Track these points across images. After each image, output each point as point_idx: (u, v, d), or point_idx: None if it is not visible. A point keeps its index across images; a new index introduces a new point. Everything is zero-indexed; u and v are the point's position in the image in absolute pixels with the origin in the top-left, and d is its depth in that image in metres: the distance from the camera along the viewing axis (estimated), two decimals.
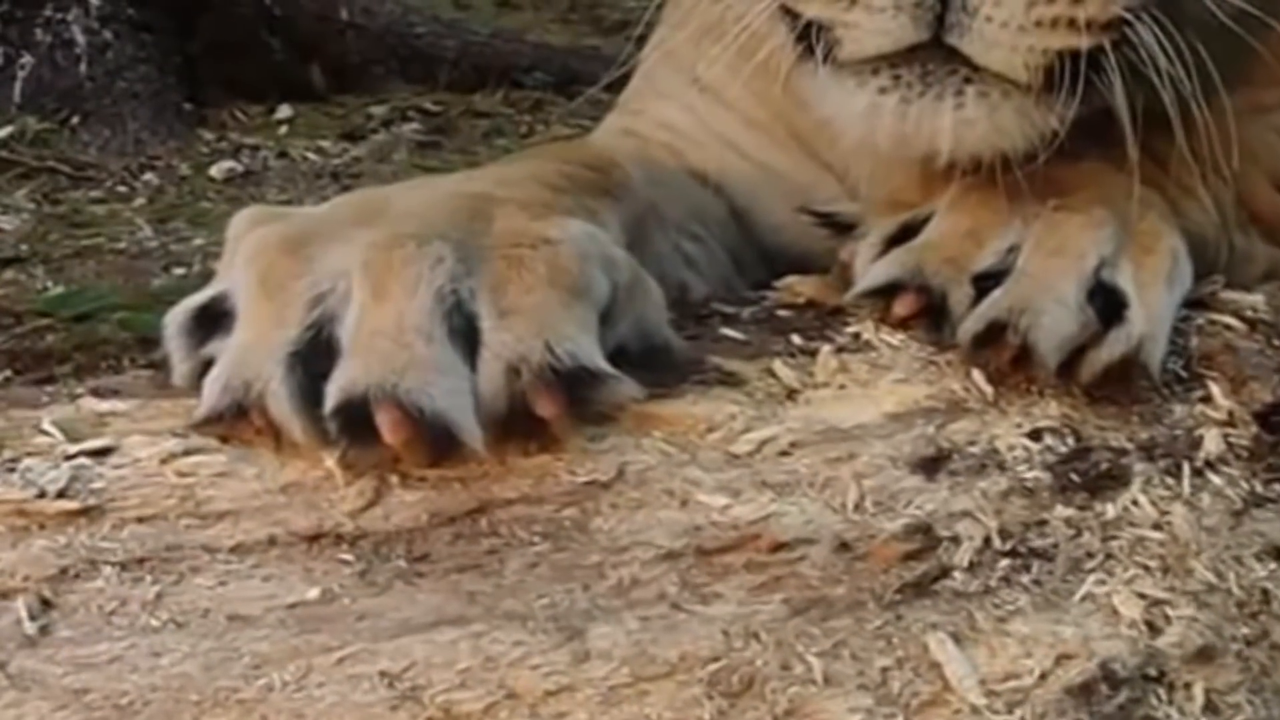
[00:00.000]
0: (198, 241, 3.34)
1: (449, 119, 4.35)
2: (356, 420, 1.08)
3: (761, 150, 1.65)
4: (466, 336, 1.13)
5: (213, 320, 1.18)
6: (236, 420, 1.12)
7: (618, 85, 1.77)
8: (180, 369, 1.18)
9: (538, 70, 4.65)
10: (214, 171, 4.01)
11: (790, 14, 1.35)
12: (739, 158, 1.66)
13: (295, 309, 1.13)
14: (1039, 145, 1.32)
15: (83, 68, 4.38)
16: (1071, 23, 1.27)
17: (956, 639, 1.21)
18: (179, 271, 3.13)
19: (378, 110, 4.42)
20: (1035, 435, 1.31)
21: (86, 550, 1.08)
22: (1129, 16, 1.28)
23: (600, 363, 1.15)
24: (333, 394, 1.09)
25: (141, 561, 1.09)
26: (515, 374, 1.12)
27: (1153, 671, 1.24)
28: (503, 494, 1.17)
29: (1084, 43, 1.28)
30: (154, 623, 1.07)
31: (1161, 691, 1.24)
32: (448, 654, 1.11)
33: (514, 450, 1.15)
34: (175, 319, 1.19)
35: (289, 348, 1.12)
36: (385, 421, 1.07)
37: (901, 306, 1.34)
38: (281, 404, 1.10)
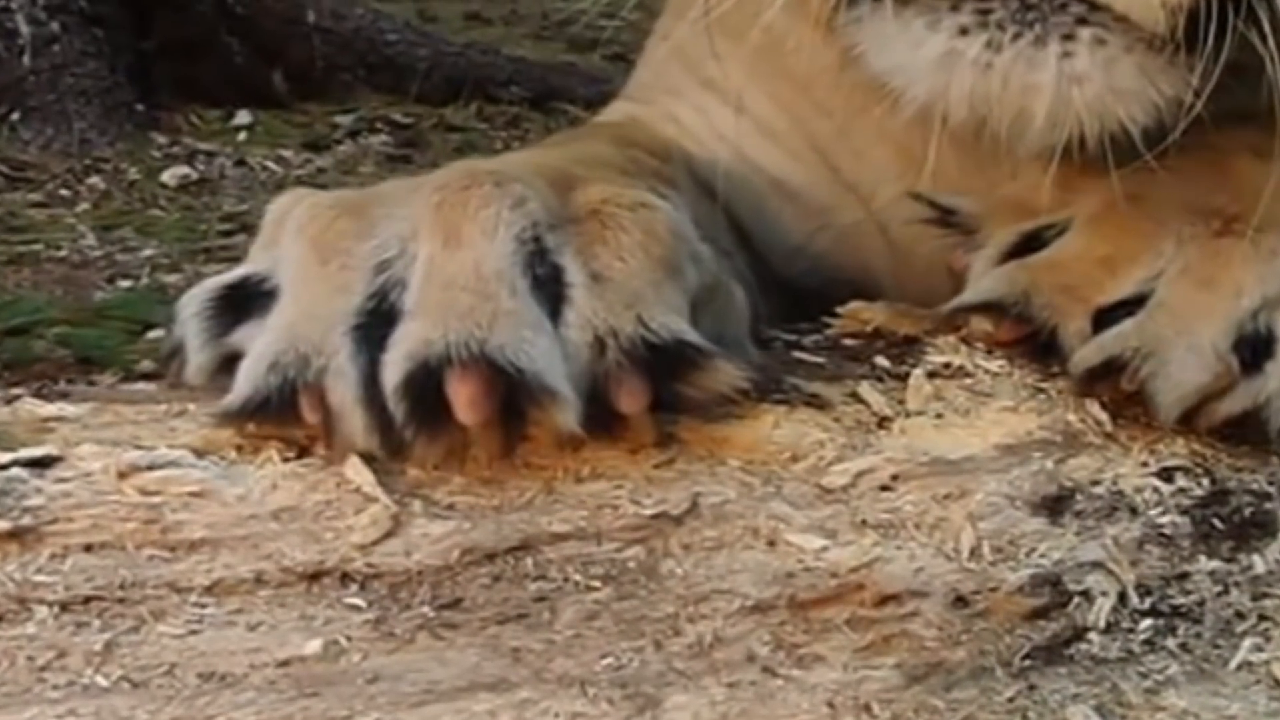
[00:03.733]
0: (146, 252, 3.01)
1: (420, 131, 4.08)
2: (427, 394, 0.86)
3: (776, 164, 1.38)
4: (551, 294, 0.92)
5: (242, 303, 0.95)
6: (280, 410, 0.88)
7: (600, 104, 1.57)
8: (197, 360, 0.94)
9: (515, 85, 4.45)
10: (166, 178, 3.71)
11: None
12: (751, 171, 1.38)
13: (359, 274, 0.92)
14: (1167, 121, 1.03)
15: (26, 60, 3.99)
16: None
17: (1102, 713, 0.99)
18: (125, 284, 2.80)
19: (344, 120, 4.16)
20: (1166, 475, 1.11)
21: (15, 585, 0.82)
22: None
23: (700, 339, 0.93)
24: (397, 362, 0.87)
25: (87, 601, 0.83)
26: (601, 349, 0.91)
27: None
28: (551, 527, 0.93)
29: None
30: (101, 680, 0.80)
31: None
32: None
33: (590, 445, 0.92)
34: (193, 300, 0.96)
35: (354, 319, 0.90)
36: (465, 393, 0.85)
37: (1002, 331, 1.13)
38: (348, 386, 0.88)
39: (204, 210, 3.34)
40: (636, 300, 0.94)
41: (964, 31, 1.02)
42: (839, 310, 1.26)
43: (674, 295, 0.98)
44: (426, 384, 0.88)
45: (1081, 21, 1.00)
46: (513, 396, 0.90)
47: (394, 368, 0.89)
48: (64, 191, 3.52)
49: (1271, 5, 0.99)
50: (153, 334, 1.57)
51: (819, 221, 1.37)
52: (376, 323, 0.91)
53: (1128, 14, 1.00)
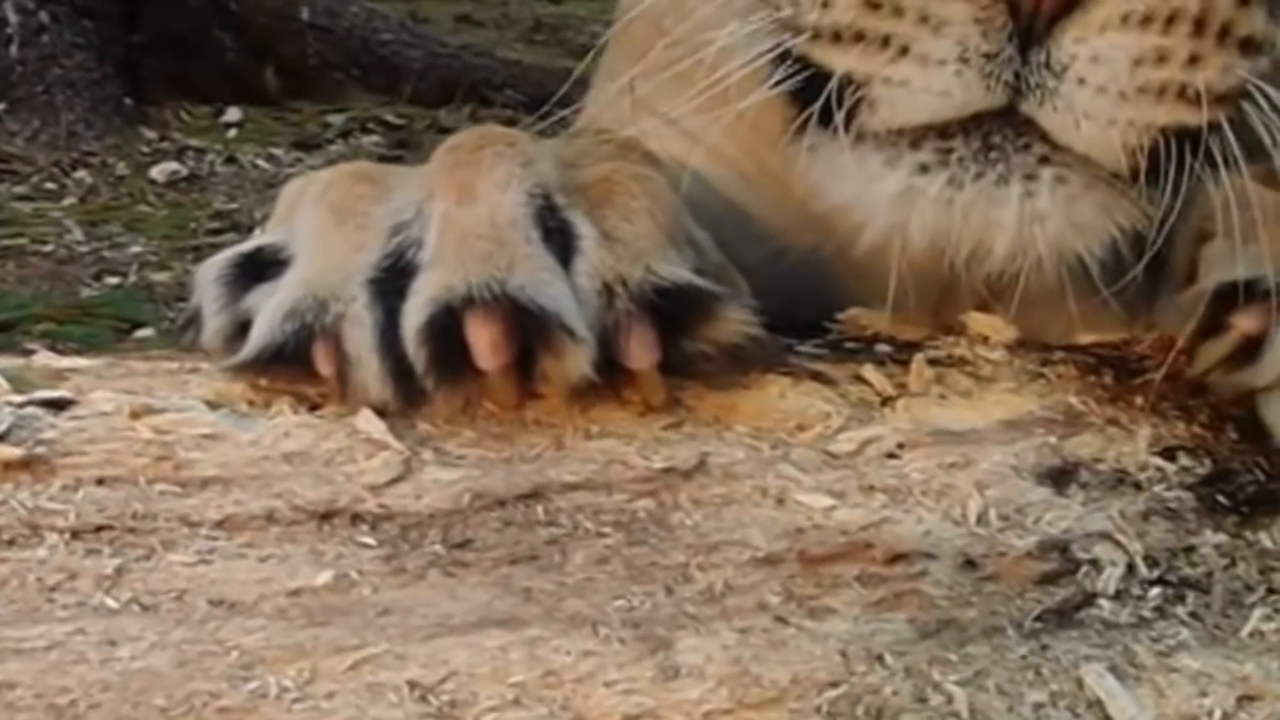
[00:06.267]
0: (134, 249, 2.96)
1: (412, 133, 4.03)
2: (446, 340, 0.88)
3: (729, 187, 1.33)
4: (561, 246, 0.94)
5: (258, 271, 0.97)
6: (295, 360, 0.90)
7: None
8: (213, 323, 0.96)
9: (509, 88, 4.41)
10: (154, 173, 3.66)
11: (803, 65, 1.02)
12: (705, 191, 1.35)
13: (374, 234, 0.94)
14: (1122, 250, 1.04)
15: (13, 50, 3.96)
16: (1183, 92, 0.98)
17: (1116, 674, 0.98)
18: (112, 280, 2.75)
19: (335, 119, 4.12)
20: (1168, 455, 1.12)
21: (27, 512, 0.82)
22: (1252, 87, 1.00)
23: (708, 284, 0.95)
24: (419, 308, 0.89)
25: (98, 530, 0.83)
26: (610, 298, 0.92)
27: None
28: (562, 478, 0.94)
29: (1198, 119, 0.99)
30: (110, 603, 0.80)
31: None
32: (496, 663, 0.84)
33: (592, 400, 0.93)
34: (211, 267, 0.98)
35: (371, 273, 0.92)
36: (486, 336, 0.87)
37: (1248, 320, 1.03)
38: (365, 333, 0.90)
39: (193, 207, 3.32)
40: (644, 254, 0.96)
41: (924, 169, 1.01)
42: (839, 316, 1.28)
43: (680, 259, 1.00)
44: (448, 328, 0.89)
45: (1044, 160, 1.00)
46: (528, 345, 0.92)
47: (415, 313, 0.90)
48: (50, 185, 3.48)
49: (1225, 143, 1.00)
50: (140, 332, 1.56)
51: (778, 244, 1.36)
52: (393, 277, 0.93)
53: (1089, 154, 1.00)
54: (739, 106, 1.07)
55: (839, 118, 1.00)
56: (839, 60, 0.99)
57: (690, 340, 0.98)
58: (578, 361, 0.91)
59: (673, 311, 0.96)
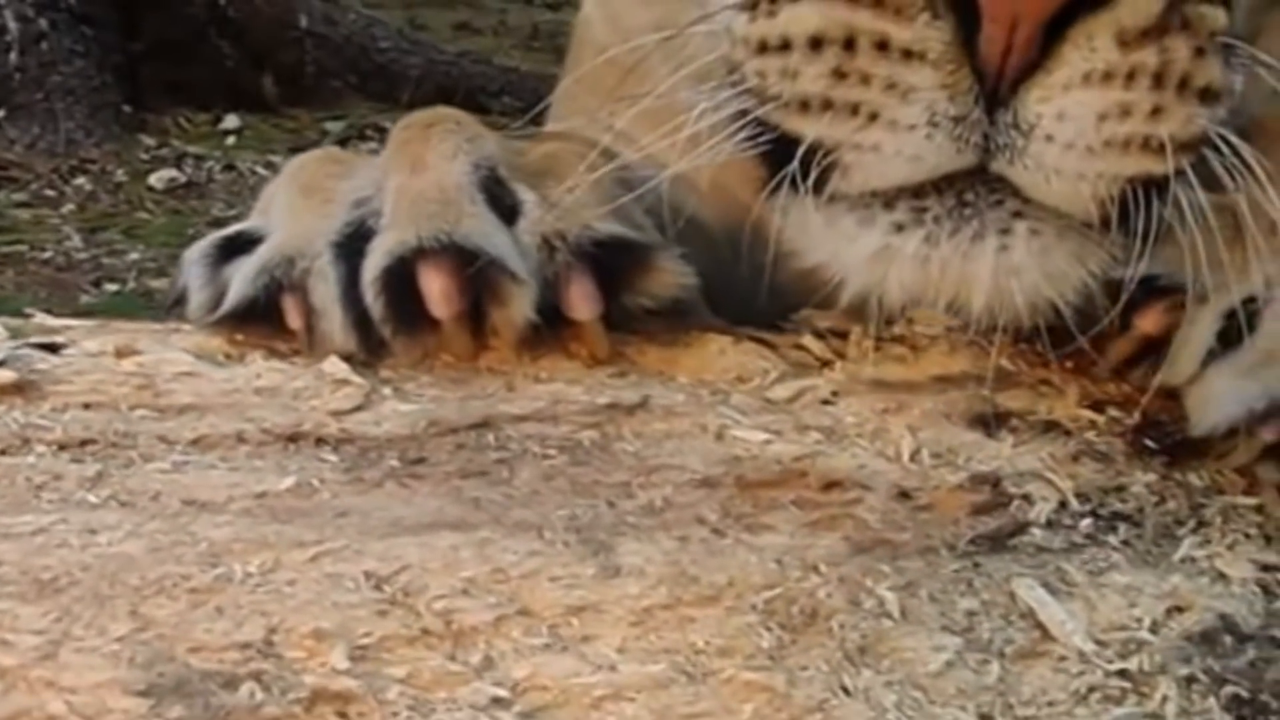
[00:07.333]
0: (133, 255, 2.98)
1: None
2: (401, 291, 0.98)
3: (683, 200, 1.28)
4: (503, 211, 1.04)
5: (238, 251, 1.07)
6: (266, 316, 1.00)
7: None
8: (198, 297, 1.06)
9: (507, 95, 4.38)
10: (153, 180, 3.65)
11: (767, 130, 1.02)
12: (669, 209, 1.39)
13: (338, 205, 1.05)
14: (1096, 296, 1.07)
15: (13, 57, 3.98)
16: (1147, 143, 1.00)
17: (1048, 589, 1.03)
18: (111, 287, 2.77)
19: (333, 126, 4.09)
20: (1098, 407, 1.18)
21: (19, 427, 0.91)
22: (1213, 134, 1.03)
23: (644, 237, 1.04)
24: (375, 260, 0.99)
25: (84, 444, 0.91)
26: (551, 251, 1.02)
27: (1278, 634, 1.04)
28: (511, 410, 1.01)
29: (1163, 167, 1.01)
30: (92, 499, 0.88)
31: None
32: (447, 559, 0.91)
33: (540, 352, 1.02)
34: (197, 249, 1.08)
35: (335, 236, 1.03)
36: (437, 284, 0.97)
37: (1146, 321, 1.09)
38: (329, 286, 1.00)
39: (191, 214, 3.33)
40: (582, 215, 1.06)
41: (900, 228, 1.02)
42: (791, 316, 1.36)
43: (618, 224, 1.09)
44: (401, 278, 0.99)
45: (1017, 215, 1.02)
46: (478, 297, 1.01)
47: (372, 266, 1.00)
48: (49, 192, 3.49)
49: (1190, 189, 1.03)
50: None
51: (726, 255, 1.33)
52: (355, 240, 1.04)
53: (1060, 207, 1.02)
54: (710, 161, 1.07)
55: (808, 184, 1.01)
56: (808, 128, 0.99)
57: (631, 295, 1.07)
58: (521, 305, 1.00)
59: (611, 264, 1.05)
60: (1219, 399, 1.10)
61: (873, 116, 0.98)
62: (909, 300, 1.08)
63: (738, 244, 1.16)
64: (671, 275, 1.06)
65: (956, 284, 1.04)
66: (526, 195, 1.07)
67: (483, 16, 5.57)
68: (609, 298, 1.06)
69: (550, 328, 1.04)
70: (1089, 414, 1.18)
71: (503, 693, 0.86)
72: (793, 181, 1.02)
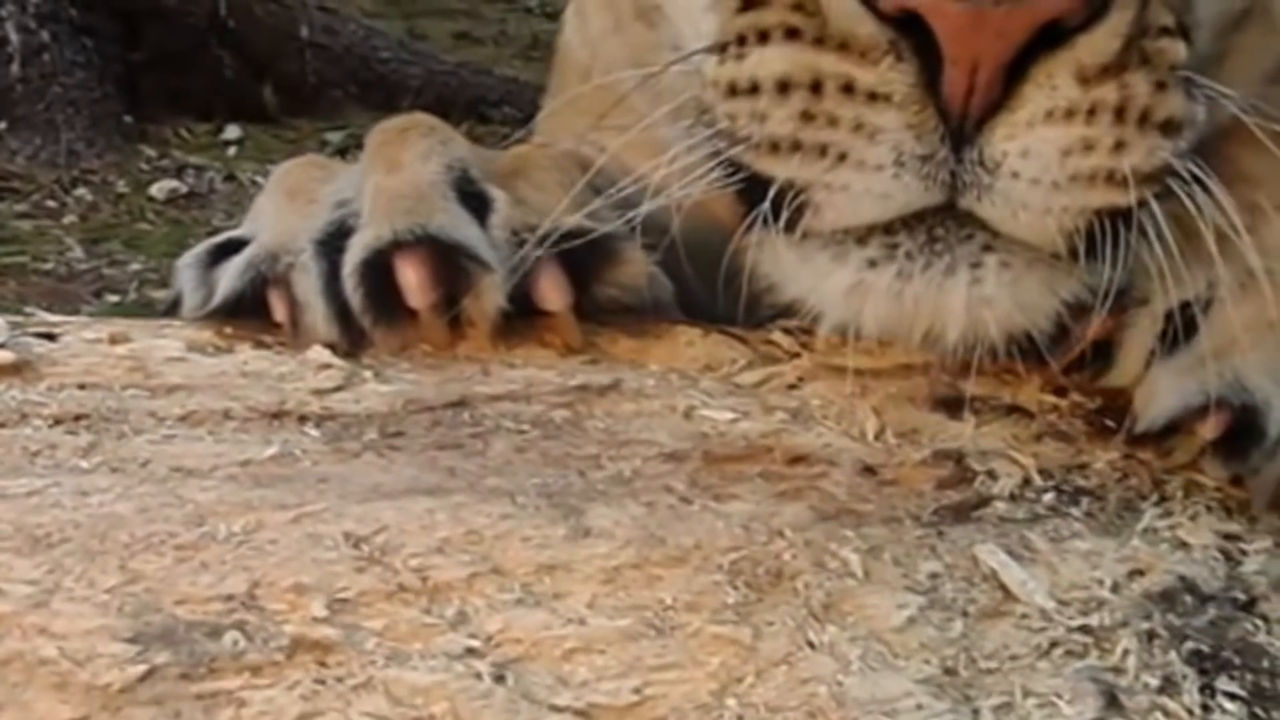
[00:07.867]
0: (134, 266, 2.96)
1: None
2: (380, 283, 1.03)
3: (667, 222, 1.24)
4: (475, 207, 1.10)
5: (229, 253, 1.13)
6: (253, 309, 1.06)
7: None
8: (191, 299, 1.12)
9: (507, 105, 4.33)
10: (154, 191, 3.60)
11: (741, 170, 1.04)
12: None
13: (321, 206, 1.11)
14: (1066, 321, 1.11)
15: (14, 68, 3.95)
16: (1111, 176, 1.03)
17: (1011, 555, 1.06)
18: (113, 298, 2.74)
19: (334, 136, 4.05)
20: (1060, 392, 1.22)
21: (16, 403, 0.96)
22: (1176, 164, 1.05)
23: (608, 230, 1.09)
24: (354, 256, 1.05)
25: (78, 419, 0.96)
26: (521, 244, 1.07)
27: (1240, 596, 1.07)
28: (486, 390, 1.06)
29: (1128, 199, 1.03)
30: (84, 465, 0.92)
31: (1257, 621, 1.06)
32: (423, 521, 0.95)
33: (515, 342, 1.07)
34: (190, 255, 1.14)
35: (317, 234, 1.09)
36: (414, 275, 1.02)
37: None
38: (311, 279, 1.05)
39: (192, 225, 3.30)
40: (551, 211, 1.12)
41: (872, 264, 1.04)
42: (768, 327, 1.41)
43: (589, 220, 1.15)
44: (379, 270, 1.05)
45: (987, 249, 1.04)
46: (453, 288, 1.07)
47: (351, 258, 1.06)
48: (51, 203, 3.47)
49: (1156, 220, 1.06)
50: None
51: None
52: (336, 238, 1.09)
53: (1028, 240, 1.04)
54: (686, 197, 1.11)
55: (780, 223, 1.03)
56: (778, 169, 1.02)
57: (601, 285, 1.12)
58: (494, 295, 1.06)
59: (580, 256, 1.10)
60: (1159, 396, 1.13)
61: (841, 157, 1.00)
62: (884, 333, 1.11)
63: (718, 267, 1.18)
64: (638, 264, 1.11)
65: (931, 316, 1.06)
66: (497, 194, 1.12)
67: (483, 26, 5.53)
68: (579, 289, 1.11)
69: (525, 319, 1.09)
70: (1052, 399, 1.21)
71: (476, 644, 0.89)
72: (764, 220, 1.05)
